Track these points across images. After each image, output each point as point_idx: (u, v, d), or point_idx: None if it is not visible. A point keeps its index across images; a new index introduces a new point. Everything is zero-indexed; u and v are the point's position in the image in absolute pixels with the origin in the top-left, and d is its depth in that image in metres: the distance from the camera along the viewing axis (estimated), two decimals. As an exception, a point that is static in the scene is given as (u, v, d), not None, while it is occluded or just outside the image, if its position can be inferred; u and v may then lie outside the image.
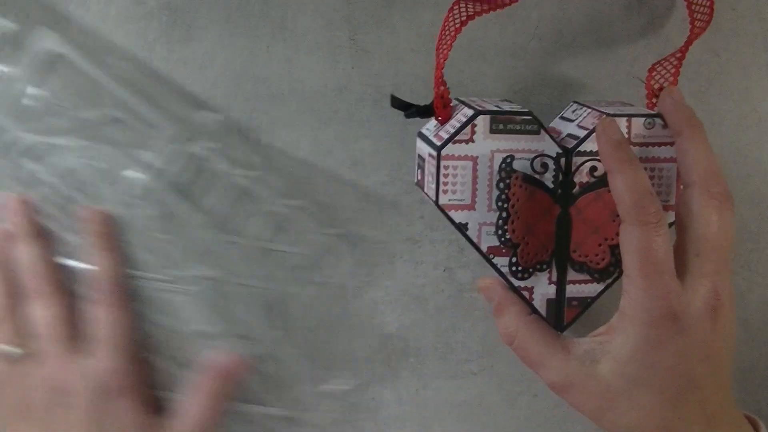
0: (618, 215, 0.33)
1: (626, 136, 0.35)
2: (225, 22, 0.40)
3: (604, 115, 0.35)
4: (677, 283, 0.32)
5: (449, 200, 0.35)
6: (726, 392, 0.33)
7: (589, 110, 0.37)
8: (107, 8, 0.40)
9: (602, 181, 0.35)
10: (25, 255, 0.38)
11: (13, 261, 0.38)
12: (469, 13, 0.35)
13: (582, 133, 0.35)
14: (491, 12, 0.36)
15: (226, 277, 0.40)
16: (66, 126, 0.39)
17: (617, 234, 0.34)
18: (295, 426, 0.41)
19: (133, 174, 0.39)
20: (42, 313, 0.37)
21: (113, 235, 0.39)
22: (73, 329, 0.38)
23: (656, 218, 0.32)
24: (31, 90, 0.39)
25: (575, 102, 0.38)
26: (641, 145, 0.35)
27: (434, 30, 0.40)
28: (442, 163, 0.34)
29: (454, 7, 0.35)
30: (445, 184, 0.35)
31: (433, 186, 0.35)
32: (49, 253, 0.39)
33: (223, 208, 0.40)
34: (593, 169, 0.35)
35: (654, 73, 0.37)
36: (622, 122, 0.35)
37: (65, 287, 0.39)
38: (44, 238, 0.39)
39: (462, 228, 0.35)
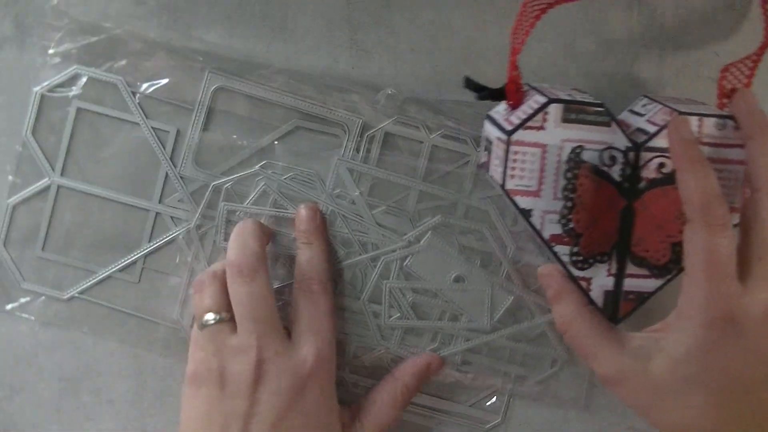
0: (683, 213, 0.33)
1: (697, 135, 0.35)
2: (225, 21, 0.40)
3: (676, 113, 0.35)
4: (738, 287, 0.32)
5: (515, 185, 0.35)
6: None
7: (660, 106, 0.36)
8: (107, 8, 0.40)
9: (669, 178, 0.35)
10: (238, 233, 0.38)
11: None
12: (550, 1, 0.35)
13: (652, 129, 0.35)
14: (573, 2, 0.36)
15: (446, 222, 0.41)
16: (250, 154, 0.40)
17: (680, 232, 0.34)
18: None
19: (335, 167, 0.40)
20: (245, 290, 0.37)
21: (315, 229, 0.40)
22: (274, 307, 0.38)
23: (722, 221, 0.31)
24: (205, 135, 0.41)
25: (645, 96, 0.38)
26: (711, 145, 0.35)
27: (434, 30, 0.40)
28: (512, 148, 0.34)
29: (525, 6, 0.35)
30: (513, 169, 0.34)
31: (500, 170, 0.35)
32: (259, 235, 0.39)
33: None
34: (661, 165, 0.35)
35: (727, 74, 0.37)
36: (694, 121, 0.35)
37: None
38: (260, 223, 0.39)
39: (526, 214, 0.35)
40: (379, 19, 0.40)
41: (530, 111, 0.34)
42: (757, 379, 0.32)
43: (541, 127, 0.34)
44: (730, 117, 0.35)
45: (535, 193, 0.35)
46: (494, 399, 0.42)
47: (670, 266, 0.36)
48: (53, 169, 0.41)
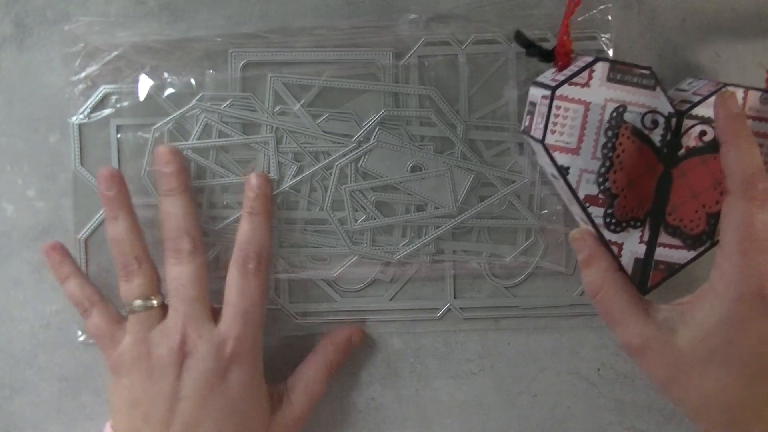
0: (720, 183, 0.33)
1: (741, 106, 0.35)
2: (225, 22, 0.40)
3: (723, 85, 0.35)
4: None
5: (555, 141, 0.35)
6: None
7: (706, 81, 0.37)
8: (107, 8, 0.40)
9: (710, 147, 0.35)
10: (170, 209, 0.38)
11: (161, 215, 0.39)
12: None
13: (696, 99, 0.35)
14: None
15: (392, 114, 0.40)
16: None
17: (716, 203, 0.34)
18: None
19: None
20: (177, 270, 0.38)
21: (263, 197, 0.39)
22: (205, 290, 0.38)
23: (764, 195, 0.31)
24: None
25: (691, 77, 0.38)
26: (754, 118, 0.35)
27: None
28: (555, 102, 0.34)
29: None
30: (554, 124, 0.35)
31: (542, 125, 0.35)
32: (193, 211, 0.39)
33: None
34: (703, 133, 0.35)
35: None
36: (739, 92, 0.35)
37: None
38: (191, 195, 0.39)
39: (563, 171, 0.35)
40: (379, 19, 0.40)
41: (576, 69, 0.34)
42: None
43: (586, 84, 0.34)
44: None
45: (575, 150, 0.35)
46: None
47: (704, 238, 0.36)
48: None
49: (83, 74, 0.40)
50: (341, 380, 0.42)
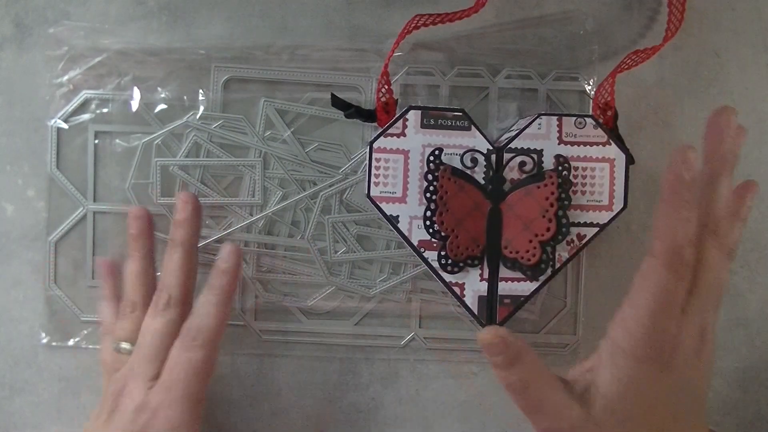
0: (547, 211, 0.34)
1: (557, 135, 0.36)
2: (225, 22, 0.40)
3: (537, 116, 0.36)
4: (676, 325, 0.32)
5: (380, 192, 0.36)
6: (702, 421, 0.34)
7: (530, 117, 0.37)
8: (107, 8, 0.40)
9: (532, 178, 0.35)
10: (168, 263, 0.37)
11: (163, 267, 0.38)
12: (417, 24, 0.37)
13: (514, 133, 0.36)
14: (444, 23, 0.37)
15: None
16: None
17: (547, 230, 0.35)
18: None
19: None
20: (148, 321, 0.36)
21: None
22: (165, 349, 0.36)
23: (685, 269, 0.31)
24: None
25: (520, 116, 0.39)
26: (572, 143, 0.36)
27: (434, 29, 0.40)
28: (374, 155, 0.35)
29: (411, 22, 0.37)
30: (377, 176, 0.36)
31: (365, 180, 0.36)
32: (189, 269, 0.37)
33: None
34: (522, 164, 0.36)
35: (600, 89, 0.38)
36: (553, 121, 0.36)
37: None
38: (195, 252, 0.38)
39: (393, 221, 0.36)
40: (379, 19, 0.40)
41: (391, 120, 0.35)
42: (684, 411, 0.32)
43: (401, 134, 0.35)
44: (590, 116, 0.36)
45: (401, 199, 0.36)
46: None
47: (542, 266, 0.36)
48: (85, 197, 0.41)
49: (65, 78, 0.40)
50: (341, 380, 0.42)
